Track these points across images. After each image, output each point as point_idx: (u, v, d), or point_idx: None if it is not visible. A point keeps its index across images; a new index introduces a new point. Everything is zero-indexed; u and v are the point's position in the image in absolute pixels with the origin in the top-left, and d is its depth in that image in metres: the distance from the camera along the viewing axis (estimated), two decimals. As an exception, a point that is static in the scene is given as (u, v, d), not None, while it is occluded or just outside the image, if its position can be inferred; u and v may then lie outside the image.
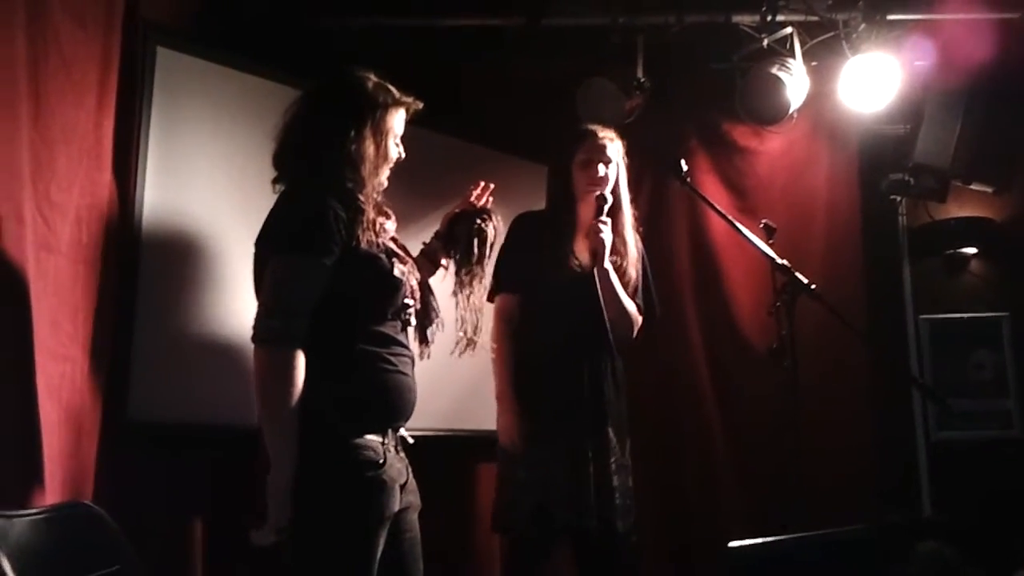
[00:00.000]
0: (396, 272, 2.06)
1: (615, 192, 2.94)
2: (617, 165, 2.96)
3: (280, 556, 1.89)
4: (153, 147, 2.81)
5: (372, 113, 2.09)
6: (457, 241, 2.39)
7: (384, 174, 2.15)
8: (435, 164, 3.62)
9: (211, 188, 2.98)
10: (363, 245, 2.01)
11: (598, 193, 2.87)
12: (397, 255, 2.11)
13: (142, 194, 2.78)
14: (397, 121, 2.16)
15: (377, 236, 2.06)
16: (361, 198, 2.04)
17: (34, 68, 2.31)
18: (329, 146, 2.05)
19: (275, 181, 2.12)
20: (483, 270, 2.38)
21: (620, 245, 2.94)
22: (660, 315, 3.13)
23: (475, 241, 2.35)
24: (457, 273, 2.37)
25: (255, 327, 1.96)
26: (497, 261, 2.98)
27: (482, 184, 2.55)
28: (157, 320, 2.78)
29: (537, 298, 2.88)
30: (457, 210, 2.48)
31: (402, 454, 2.10)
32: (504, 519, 2.85)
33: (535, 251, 2.89)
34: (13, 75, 2.22)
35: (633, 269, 2.99)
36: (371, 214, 2.05)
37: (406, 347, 2.12)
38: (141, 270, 2.76)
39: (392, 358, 2.05)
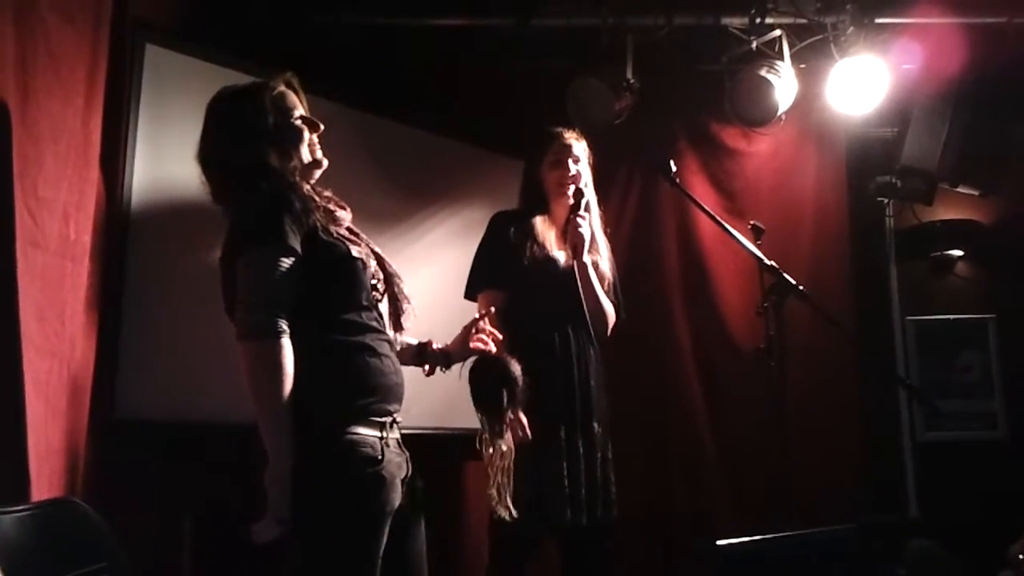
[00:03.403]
0: (355, 253, 2.06)
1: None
2: (585, 164, 2.99)
3: (280, 553, 1.88)
4: (141, 144, 2.81)
5: (254, 111, 2.10)
6: (482, 395, 2.26)
7: (304, 154, 2.13)
8: (427, 163, 3.63)
9: (199, 185, 2.96)
10: (320, 234, 2.00)
11: (574, 188, 2.90)
12: (352, 240, 2.10)
13: (130, 191, 2.78)
14: (286, 101, 2.15)
15: (331, 223, 2.05)
16: (302, 189, 2.05)
17: (22, 65, 2.29)
18: (244, 157, 2.06)
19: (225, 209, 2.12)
20: (506, 431, 2.26)
21: (593, 244, 2.96)
22: (626, 318, 3.10)
23: (504, 392, 2.23)
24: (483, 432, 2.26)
25: (238, 324, 1.94)
26: (478, 259, 2.99)
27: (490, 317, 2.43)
28: (144, 317, 2.77)
29: (522, 294, 2.87)
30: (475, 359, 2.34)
31: (402, 448, 2.10)
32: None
33: (515, 248, 2.89)
34: (1, 72, 2.21)
35: (607, 267, 3.01)
36: (318, 200, 2.05)
37: (383, 332, 2.10)
38: (128, 267, 2.76)
39: (372, 344, 2.03)
